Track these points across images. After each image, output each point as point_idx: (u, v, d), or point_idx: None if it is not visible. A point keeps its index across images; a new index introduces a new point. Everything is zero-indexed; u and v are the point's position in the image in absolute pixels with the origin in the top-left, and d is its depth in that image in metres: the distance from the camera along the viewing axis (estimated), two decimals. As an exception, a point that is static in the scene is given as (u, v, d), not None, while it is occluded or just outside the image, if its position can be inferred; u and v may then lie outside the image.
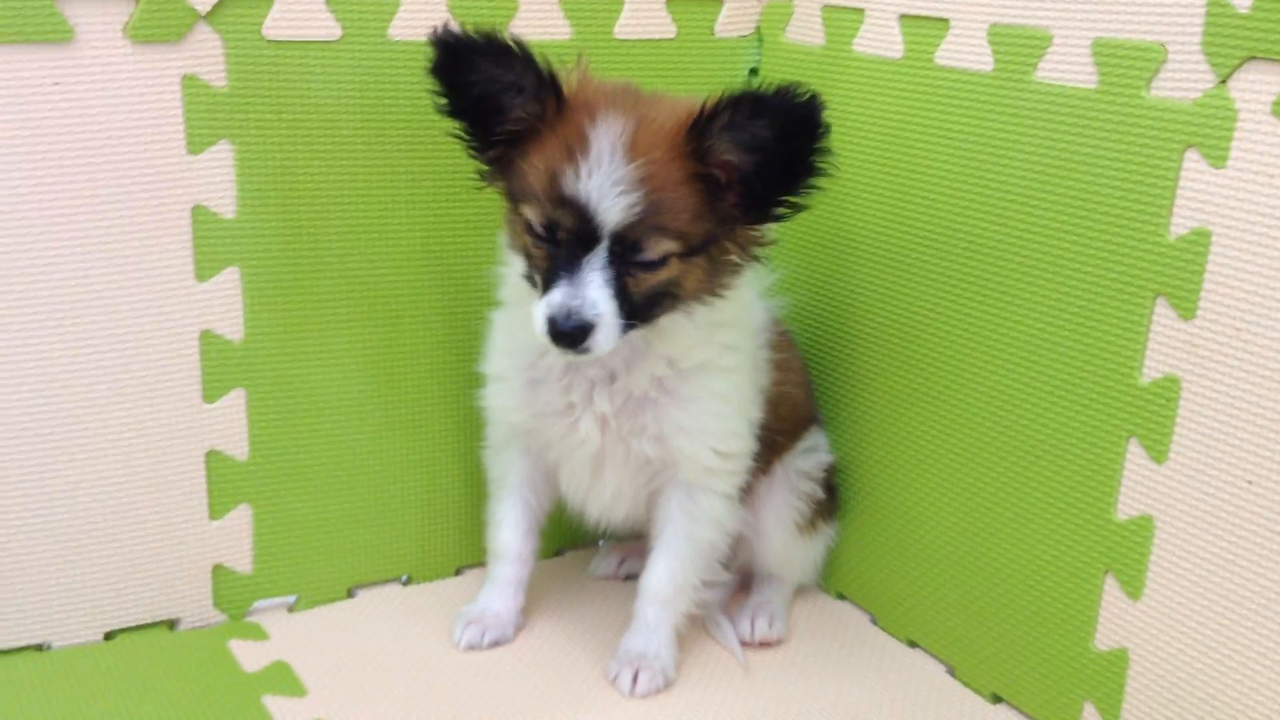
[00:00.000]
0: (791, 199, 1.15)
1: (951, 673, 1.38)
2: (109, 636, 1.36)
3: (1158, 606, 1.15)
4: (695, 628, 1.41)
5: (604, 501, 1.35)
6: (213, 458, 1.36)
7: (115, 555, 1.33)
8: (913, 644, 1.43)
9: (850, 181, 1.41)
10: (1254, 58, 1.01)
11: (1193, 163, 1.07)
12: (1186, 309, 1.09)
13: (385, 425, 1.45)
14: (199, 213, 1.28)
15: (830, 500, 1.47)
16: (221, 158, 1.28)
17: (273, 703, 1.25)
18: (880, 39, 1.36)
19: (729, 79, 1.52)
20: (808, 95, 1.07)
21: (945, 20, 1.28)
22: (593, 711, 1.28)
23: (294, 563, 1.44)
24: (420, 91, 1.33)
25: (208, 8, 1.23)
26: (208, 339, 1.32)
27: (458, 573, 1.55)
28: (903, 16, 1.33)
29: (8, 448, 1.25)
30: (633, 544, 1.59)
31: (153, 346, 1.29)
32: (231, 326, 1.33)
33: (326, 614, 1.45)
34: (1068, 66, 1.16)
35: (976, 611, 1.33)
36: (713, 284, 1.20)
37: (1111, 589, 1.18)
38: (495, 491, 1.41)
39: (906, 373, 1.38)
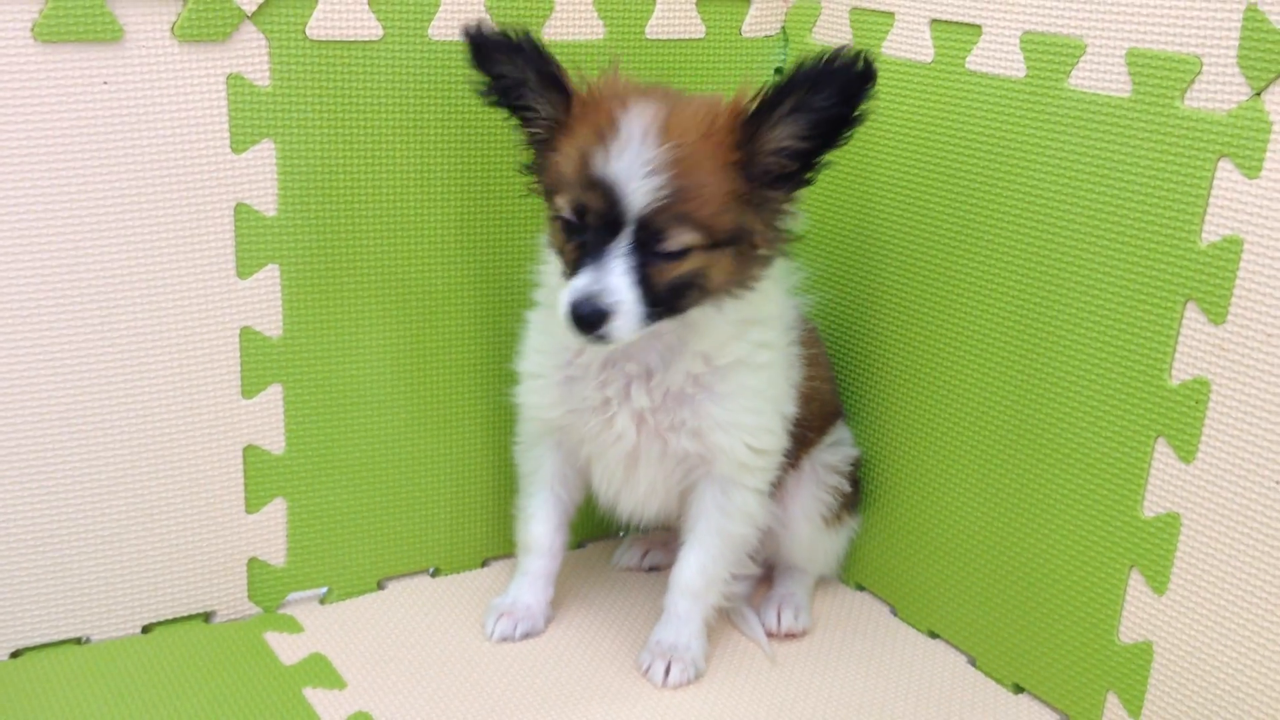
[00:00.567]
0: (828, 156, 1.18)
1: (973, 663, 1.42)
2: (146, 629, 1.37)
3: (1183, 601, 1.19)
4: (720, 620, 1.44)
5: (637, 497, 1.37)
6: (250, 452, 1.37)
7: (153, 549, 1.35)
8: (933, 635, 1.47)
9: (878, 181, 1.43)
10: (1290, 73, 1.05)
11: (1226, 172, 1.10)
12: (1217, 314, 1.12)
13: (416, 420, 1.47)
14: (241, 210, 1.29)
15: (855, 493, 1.50)
16: (264, 156, 1.29)
17: (314, 695, 1.27)
18: (910, 42, 1.39)
19: (755, 78, 1.54)
20: (861, 56, 1.12)
21: (977, 27, 1.31)
22: (626, 702, 1.31)
23: (326, 555, 1.46)
24: (459, 91, 1.36)
25: (253, 8, 1.24)
26: (247, 335, 1.33)
27: (485, 564, 1.57)
28: (934, 21, 1.36)
29: (50, 442, 1.26)
30: (655, 536, 1.62)
31: (194, 342, 1.30)
32: (271, 323, 1.34)
33: (358, 605, 1.47)
34: (1101, 75, 1.19)
35: (999, 603, 1.37)
36: (741, 277, 1.22)
37: (1137, 583, 1.22)
38: (526, 486, 1.43)
39: (934, 370, 1.41)
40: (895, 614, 1.52)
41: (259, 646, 1.36)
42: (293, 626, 1.41)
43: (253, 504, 1.39)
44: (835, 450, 1.47)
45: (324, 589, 1.47)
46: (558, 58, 1.21)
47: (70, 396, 1.26)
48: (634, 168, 1.13)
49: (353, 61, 1.30)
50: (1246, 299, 1.10)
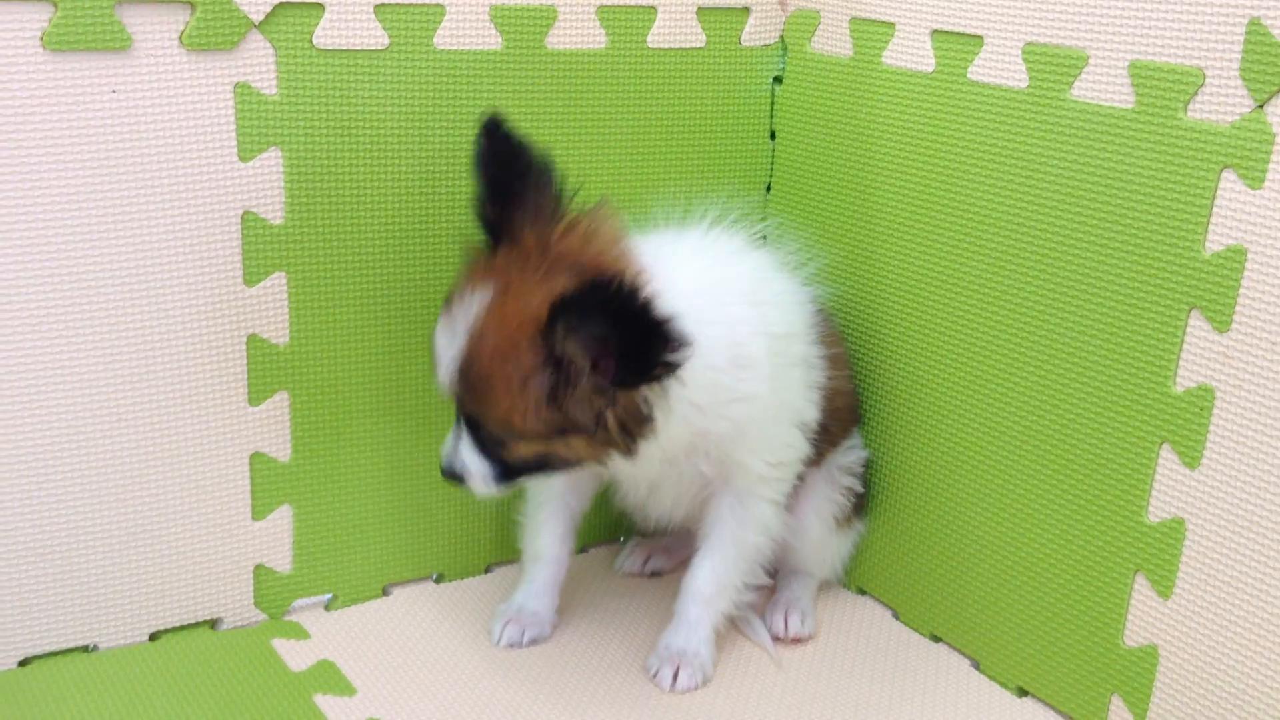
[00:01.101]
0: (664, 366, 1.07)
1: (977, 667, 1.43)
2: (154, 637, 1.37)
3: (1188, 605, 1.20)
4: (725, 624, 1.44)
5: (663, 509, 1.40)
6: (256, 459, 1.37)
7: (160, 557, 1.35)
8: (936, 639, 1.48)
9: (880, 191, 1.44)
10: (1293, 84, 1.06)
11: (1229, 183, 1.12)
12: (1221, 322, 1.13)
13: (421, 427, 1.47)
14: (248, 218, 1.29)
15: (864, 495, 1.51)
16: (271, 164, 1.29)
17: (325, 702, 1.28)
18: (911, 52, 1.40)
19: (754, 86, 1.56)
20: (627, 282, 1.03)
21: (979, 37, 1.32)
22: (635, 706, 1.32)
23: (331, 562, 1.46)
24: (465, 99, 1.36)
25: (261, 17, 1.24)
26: (254, 342, 1.33)
27: (488, 570, 1.58)
28: (935, 32, 1.37)
29: (57, 450, 1.26)
30: (657, 542, 1.62)
31: (201, 350, 1.30)
32: (277, 330, 1.34)
33: (363, 612, 1.47)
34: (1104, 86, 1.20)
35: (1003, 607, 1.38)
36: (605, 453, 1.16)
37: (1142, 588, 1.24)
38: (536, 495, 1.43)
39: (938, 376, 1.42)
40: (897, 618, 1.53)
41: (267, 653, 1.36)
42: (299, 633, 1.41)
43: (259, 511, 1.39)
44: (850, 452, 1.48)
45: (329, 595, 1.47)
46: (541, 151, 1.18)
47: (77, 404, 1.26)
48: (446, 357, 1.15)
49: (359, 70, 1.31)
50: (1250, 307, 1.11)
